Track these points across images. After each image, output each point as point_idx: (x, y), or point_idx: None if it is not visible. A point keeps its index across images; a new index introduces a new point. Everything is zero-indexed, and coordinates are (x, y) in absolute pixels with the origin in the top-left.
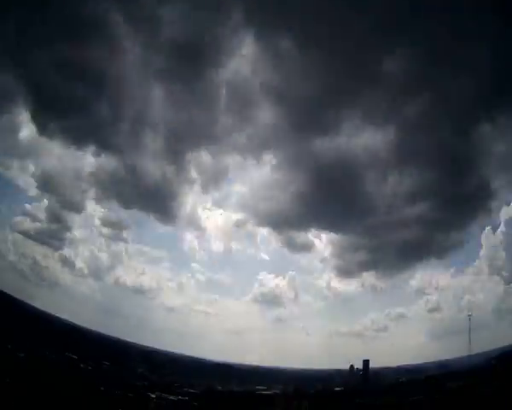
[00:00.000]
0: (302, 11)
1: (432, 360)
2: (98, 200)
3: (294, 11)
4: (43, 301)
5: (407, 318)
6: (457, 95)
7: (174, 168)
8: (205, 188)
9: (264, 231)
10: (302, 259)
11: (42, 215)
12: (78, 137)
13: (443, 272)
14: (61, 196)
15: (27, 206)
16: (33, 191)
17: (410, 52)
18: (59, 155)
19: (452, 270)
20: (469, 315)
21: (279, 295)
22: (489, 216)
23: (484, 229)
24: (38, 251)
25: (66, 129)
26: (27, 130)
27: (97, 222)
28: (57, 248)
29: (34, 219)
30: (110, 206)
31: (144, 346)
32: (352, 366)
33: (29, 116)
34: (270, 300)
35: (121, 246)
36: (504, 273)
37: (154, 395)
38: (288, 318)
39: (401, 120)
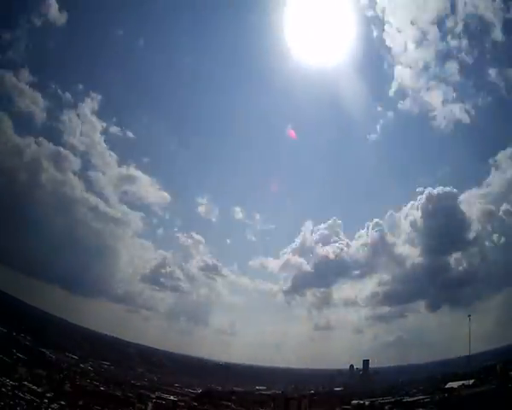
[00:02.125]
0: None
1: (432, 360)
2: None
3: None
4: None
5: None
6: None
7: None
8: None
9: None
10: None
11: None
12: None
13: None
14: None
15: None
16: None
17: None
18: None
19: None
20: (469, 316)
21: None
22: None
23: None
24: None
25: None
26: None
27: None
28: None
29: None
30: None
31: (144, 346)
32: (351, 366)
33: None
34: None
35: None
36: None
37: (154, 395)
38: None
39: None
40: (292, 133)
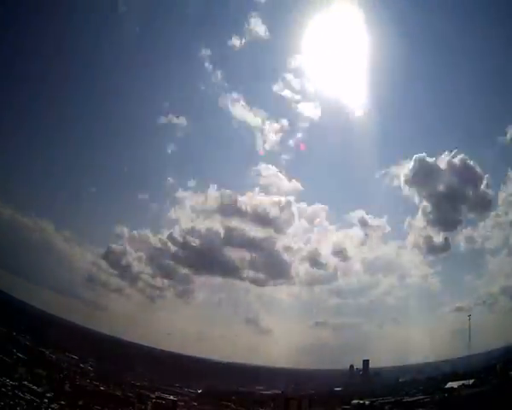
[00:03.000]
0: None
1: (432, 360)
2: None
3: None
4: None
5: None
6: None
7: None
8: None
9: None
10: None
11: None
12: None
13: None
14: None
15: None
16: None
17: None
18: None
19: None
20: (469, 316)
21: None
22: None
23: None
24: None
25: None
26: None
27: None
28: None
29: None
30: None
31: (144, 346)
32: (351, 366)
33: None
34: None
35: None
36: None
37: (153, 395)
38: None
39: None
40: (302, 147)
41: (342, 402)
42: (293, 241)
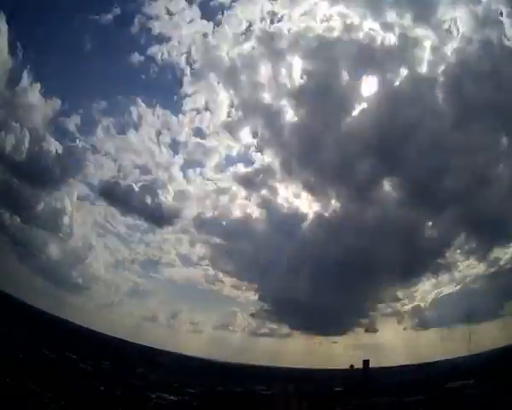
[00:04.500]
0: None
1: (432, 359)
2: None
3: None
4: None
5: None
6: None
7: None
8: None
9: None
10: None
11: None
12: None
13: None
14: None
15: None
16: None
17: None
18: None
19: None
20: (469, 315)
21: None
22: None
23: None
24: None
25: None
26: None
27: None
28: None
29: None
30: None
31: (144, 346)
32: (351, 366)
33: None
34: None
35: None
36: None
37: (154, 395)
38: None
39: None
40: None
41: (342, 402)
42: None
